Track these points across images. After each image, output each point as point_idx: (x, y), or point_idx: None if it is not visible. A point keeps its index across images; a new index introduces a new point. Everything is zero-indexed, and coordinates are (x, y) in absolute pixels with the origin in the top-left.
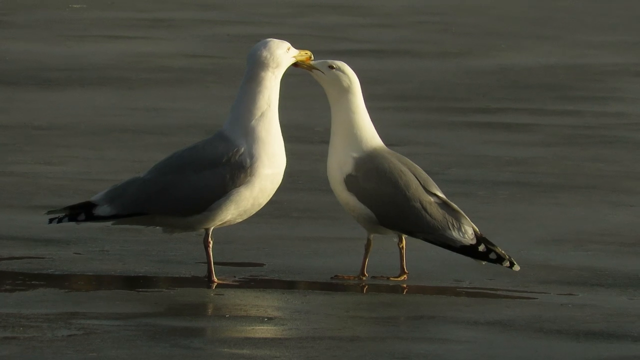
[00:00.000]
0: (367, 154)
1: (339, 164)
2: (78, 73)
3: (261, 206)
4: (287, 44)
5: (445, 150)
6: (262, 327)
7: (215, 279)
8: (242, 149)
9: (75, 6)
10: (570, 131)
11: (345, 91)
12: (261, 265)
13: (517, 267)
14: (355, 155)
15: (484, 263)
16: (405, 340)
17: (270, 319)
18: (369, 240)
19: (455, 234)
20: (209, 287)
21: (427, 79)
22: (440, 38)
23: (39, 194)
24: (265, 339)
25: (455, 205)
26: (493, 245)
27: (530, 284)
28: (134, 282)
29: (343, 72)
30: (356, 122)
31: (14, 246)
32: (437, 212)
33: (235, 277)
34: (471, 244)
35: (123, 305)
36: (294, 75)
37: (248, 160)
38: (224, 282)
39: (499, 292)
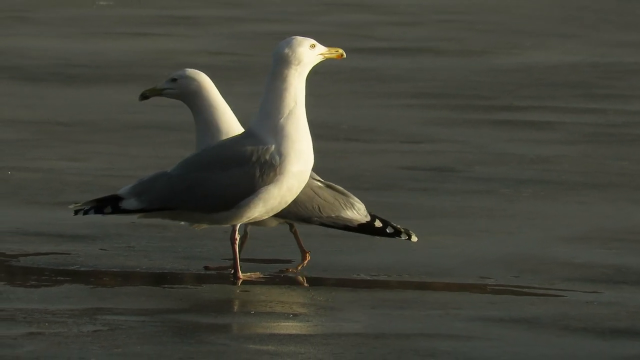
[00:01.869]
0: None
1: None
2: (103, 70)
3: (288, 203)
4: (310, 41)
5: (469, 148)
6: (287, 324)
7: (241, 275)
8: (272, 147)
9: (101, 3)
10: (594, 129)
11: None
12: (288, 262)
13: (414, 238)
14: None
15: (379, 238)
16: (431, 337)
17: (295, 315)
18: (246, 233)
19: (350, 213)
20: (235, 283)
21: (451, 76)
22: (464, 36)
23: (64, 190)
24: (290, 335)
25: (340, 187)
26: (387, 220)
27: (555, 282)
28: (159, 278)
29: (191, 78)
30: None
31: (40, 242)
32: (328, 195)
33: (260, 273)
34: (367, 221)
35: (148, 301)
36: (319, 73)
37: (277, 158)
38: (250, 279)
39: (524, 290)
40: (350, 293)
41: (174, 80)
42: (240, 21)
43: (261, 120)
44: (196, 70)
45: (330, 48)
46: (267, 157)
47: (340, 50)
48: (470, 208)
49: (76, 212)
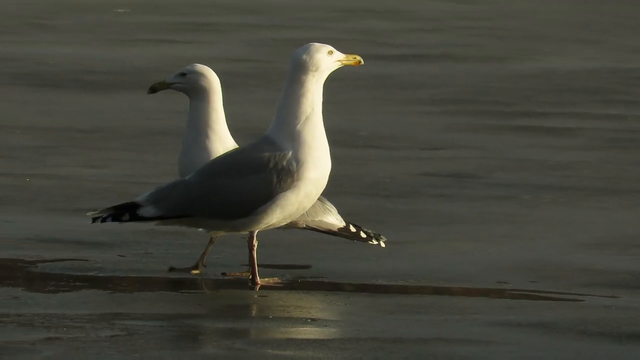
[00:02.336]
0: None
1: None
2: (121, 76)
3: (305, 210)
4: (328, 48)
5: (489, 154)
6: (305, 329)
7: (259, 280)
8: (289, 154)
9: (119, 10)
10: (613, 135)
11: (205, 91)
12: (306, 267)
13: (383, 244)
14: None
15: (355, 241)
16: (448, 342)
17: (313, 320)
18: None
19: (330, 218)
20: (253, 288)
21: (470, 83)
22: (484, 42)
23: (82, 197)
24: (308, 340)
25: None
26: (358, 225)
27: (574, 287)
28: (177, 284)
29: (200, 73)
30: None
31: (58, 248)
32: None
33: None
34: (344, 226)
35: (166, 306)
36: (338, 79)
37: (294, 165)
38: (268, 284)
39: (541, 295)
40: (368, 298)
41: (183, 74)
42: (258, 28)
43: (278, 127)
44: (206, 67)
45: (347, 55)
46: (284, 163)
47: (358, 57)
48: (489, 214)
49: (94, 220)
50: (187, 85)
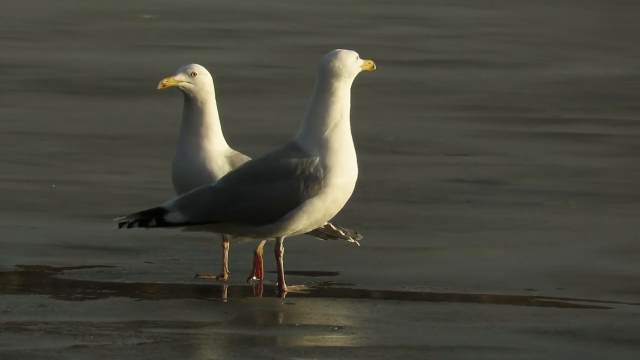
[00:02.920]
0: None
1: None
2: (147, 83)
3: (332, 216)
4: (355, 53)
5: (516, 161)
6: (332, 336)
7: (286, 287)
8: (316, 160)
9: (145, 16)
10: None
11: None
12: (332, 274)
13: (352, 240)
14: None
15: (339, 239)
16: (475, 349)
17: (340, 327)
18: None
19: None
20: (280, 296)
21: (497, 89)
22: (511, 49)
23: (109, 204)
24: (335, 347)
25: None
26: (336, 225)
27: (601, 294)
28: (204, 291)
29: (208, 75)
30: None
31: (85, 255)
32: None
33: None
34: (329, 225)
35: (193, 313)
36: (364, 84)
37: (322, 171)
38: (295, 291)
39: (569, 302)
40: (395, 305)
41: (193, 74)
42: (284, 34)
43: (306, 133)
44: (205, 69)
45: (365, 60)
46: (312, 169)
47: (372, 62)
48: (516, 220)
49: (120, 225)
50: (196, 87)
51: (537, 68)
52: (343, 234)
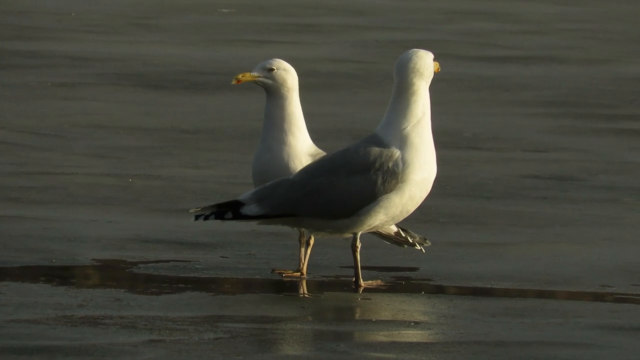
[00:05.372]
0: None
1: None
2: (226, 77)
3: (409, 213)
4: (432, 54)
5: (592, 157)
6: (408, 332)
7: (362, 283)
8: (396, 154)
9: (224, 10)
10: None
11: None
12: (409, 269)
13: (423, 248)
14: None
15: (405, 246)
16: (551, 345)
17: (416, 323)
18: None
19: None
20: (356, 291)
21: (574, 85)
22: (587, 45)
23: (186, 198)
24: (411, 343)
25: None
26: (405, 229)
27: None
28: (280, 286)
29: (288, 70)
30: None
31: (161, 249)
32: None
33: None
34: (397, 231)
35: (269, 308)
36: (444, 80)
37: (400, 166)
38: (371, 286)
39: None
40: (471, 301)
41: (271, 69)
42: (363, 29)
43: (386, 128)
44: (288, 64)
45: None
46: (390, 164)
47: (437, 64)
48: (592, 216)
49: (196, 217)
50: (273, 82)
51: (615, 64)
52: (410, 241)
